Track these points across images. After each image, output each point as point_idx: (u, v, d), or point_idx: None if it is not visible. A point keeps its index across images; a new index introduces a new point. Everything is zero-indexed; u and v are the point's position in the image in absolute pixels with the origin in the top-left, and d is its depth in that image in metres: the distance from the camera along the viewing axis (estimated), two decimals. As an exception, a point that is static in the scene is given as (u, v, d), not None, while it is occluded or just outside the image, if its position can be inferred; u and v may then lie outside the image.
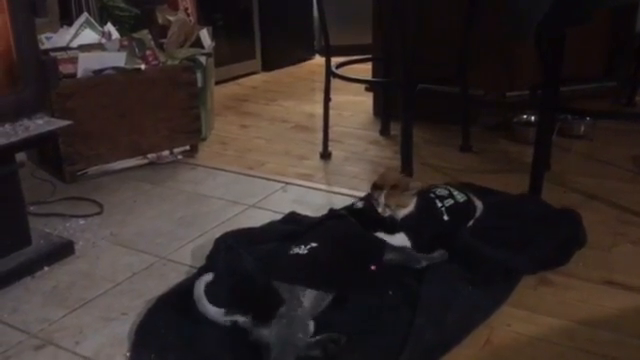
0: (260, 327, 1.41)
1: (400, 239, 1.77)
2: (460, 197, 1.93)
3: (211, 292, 1.58)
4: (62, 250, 1.96)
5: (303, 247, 1.61)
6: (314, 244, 1.62)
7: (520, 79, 2.88)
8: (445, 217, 1.86)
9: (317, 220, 1.93)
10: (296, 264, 1.57)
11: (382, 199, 1.79)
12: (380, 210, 1.80)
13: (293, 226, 1.98)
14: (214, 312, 1.52)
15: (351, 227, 1.79)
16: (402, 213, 1.80)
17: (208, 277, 1.62)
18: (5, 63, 1.83)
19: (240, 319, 1.46)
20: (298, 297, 1.46)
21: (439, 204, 1.87)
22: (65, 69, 2.46)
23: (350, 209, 1.93)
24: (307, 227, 1.89)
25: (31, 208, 2.19)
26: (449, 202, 1.89)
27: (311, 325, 1.44)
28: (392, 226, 1.79)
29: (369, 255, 1.69)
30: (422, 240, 1.78)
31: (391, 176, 1.87)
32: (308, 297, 1.48)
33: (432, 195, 1.90)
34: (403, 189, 1.80)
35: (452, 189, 1.96)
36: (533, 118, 2.91)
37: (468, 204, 1.95)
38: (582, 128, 2.93)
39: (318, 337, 1.42)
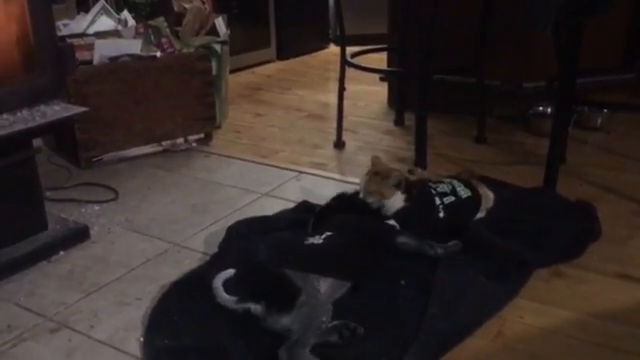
0: (280, 315, 1.43)
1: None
2: (463, 193, 1.92)
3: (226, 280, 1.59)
4: (78, 235, 1.98)
5: (318, 237, 1.62)
6: (329, 233, 1.64)
7: (537, 70, 2.84)
8: (441, 214, 1.85)
9: (324, 206, 1.95)
10: (310, 253, 1.58)
11: (363, 182, 1.84)
12: (360, 192, 1.85)
13: (305, 215, 1.98)
14: (226, 300, 1.53)
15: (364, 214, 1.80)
16: (395, 206, 1.82)
17: (228, 274, 1.62)
18: (23, 49, 1.85)
19: (252, 307, 1.47)
20: (314, 285, 1.47)
21: (438, 201, 1.86)
22: (81, 56, 2.47)
23: (336, 197, 1.97)
24: (316, 215, 1.89)
25: (47, 193, 2.21)
26: (449, 199, 1.88)
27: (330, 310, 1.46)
28: (378, 212, 1.82)
29: (381, 240, 1.70)
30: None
31: (380, 163, 1.92)
32: (324, 285, 1.50)
33: (433, 192, 1.89)
34: (384, 177, 1.83)
35: (456, 184, 1.94)
36: (549, 110, 2.88)
37: (470, 201, 1.92)
38: (599, 120, 2.89)
39: (335, 322, 1.44)
